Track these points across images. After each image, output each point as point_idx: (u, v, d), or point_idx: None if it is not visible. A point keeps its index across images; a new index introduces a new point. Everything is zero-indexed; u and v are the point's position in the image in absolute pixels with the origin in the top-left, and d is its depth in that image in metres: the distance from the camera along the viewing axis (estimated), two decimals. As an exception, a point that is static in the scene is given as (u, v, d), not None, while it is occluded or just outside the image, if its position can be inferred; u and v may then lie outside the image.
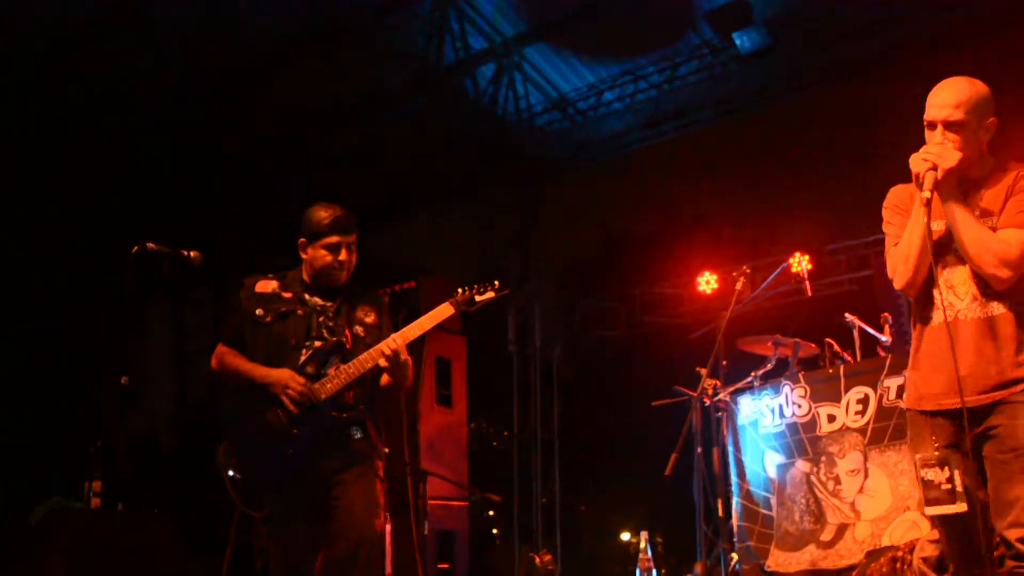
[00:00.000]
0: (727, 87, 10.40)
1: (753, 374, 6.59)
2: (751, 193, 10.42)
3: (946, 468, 3.37)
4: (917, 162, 3.36)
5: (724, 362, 6.86)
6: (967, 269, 3.44)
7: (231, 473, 3.90)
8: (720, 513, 5.15)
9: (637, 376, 10.38)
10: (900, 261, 3.51)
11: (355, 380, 3.97)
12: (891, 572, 4.98)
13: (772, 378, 6.55)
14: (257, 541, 3.93)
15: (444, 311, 4.10)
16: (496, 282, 4.15)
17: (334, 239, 4.07)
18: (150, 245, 3.99)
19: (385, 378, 4.13)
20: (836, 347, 6.50)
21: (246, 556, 3.94)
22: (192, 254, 4.10)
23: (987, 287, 3.40)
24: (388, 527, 6.07)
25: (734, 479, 6.42)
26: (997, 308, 3.40)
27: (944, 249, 3.49)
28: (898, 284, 3.54)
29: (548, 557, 6.38)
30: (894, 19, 8.99)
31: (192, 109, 9.56)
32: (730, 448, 6.45)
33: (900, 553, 5.00)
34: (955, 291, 3.46)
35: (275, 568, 3.87)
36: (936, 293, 3.44)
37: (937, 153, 3.34)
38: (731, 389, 6.57)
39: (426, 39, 10.12)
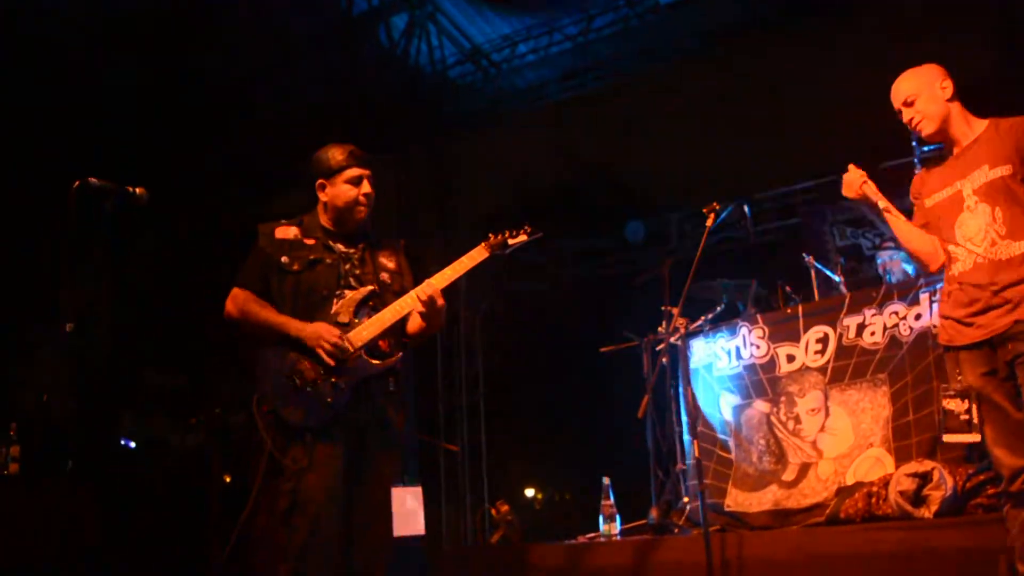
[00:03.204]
0: (644, 39, 10.32)
1: (703, 318, 6.50)
2: (671, 145, 10.36)
3: (966, 400, 3.65)
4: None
5: (665, 307, 6.75)
6: (978, 219, 3.79)
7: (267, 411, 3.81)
8: (697, 454, 5.02)
9: (567, 328, 10.27)
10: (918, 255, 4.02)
11: (389, 328, 3.92)
12: (867, 507, 4.94)
13: (725, 320, 6.47)
14: (285, 483, 3.72)
15: (479, 254, 4.08)
16: (528, 227, 4.14)
17: (355, 172, 4.01)
18: (92, 180, 3.71)
19: (415, 324, 4.08)
20: (789, 288, 6.47)
21: (270, 498, 3.74)
22: (138, 191, 3.86)
23: (999, 234, 3.74)
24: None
25: (684, 421, 6.35)
26: (1016, 248, 3.69)
27: (956, 207, 3.87)
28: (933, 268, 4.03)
29: (505, 508, 6.20)
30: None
31: (110, 60, 9.04)
32: (680, 389, 6.37)
33: (875, 488, 4.96)
34: (972, 241, 3.80)
35: (300, 515, 3.70)
36: (952, 248, 3.86)
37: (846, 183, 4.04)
38: (680, 334, 6.46)
39: (336, -13, 9.82)
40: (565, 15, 10.34)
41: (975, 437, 3.61)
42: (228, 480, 9.55)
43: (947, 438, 3.79)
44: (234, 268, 4.25)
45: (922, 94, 3.92)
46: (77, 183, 3.68)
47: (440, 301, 3.94)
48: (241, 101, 10.04)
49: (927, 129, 3.92)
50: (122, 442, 12.06)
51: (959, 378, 3.71)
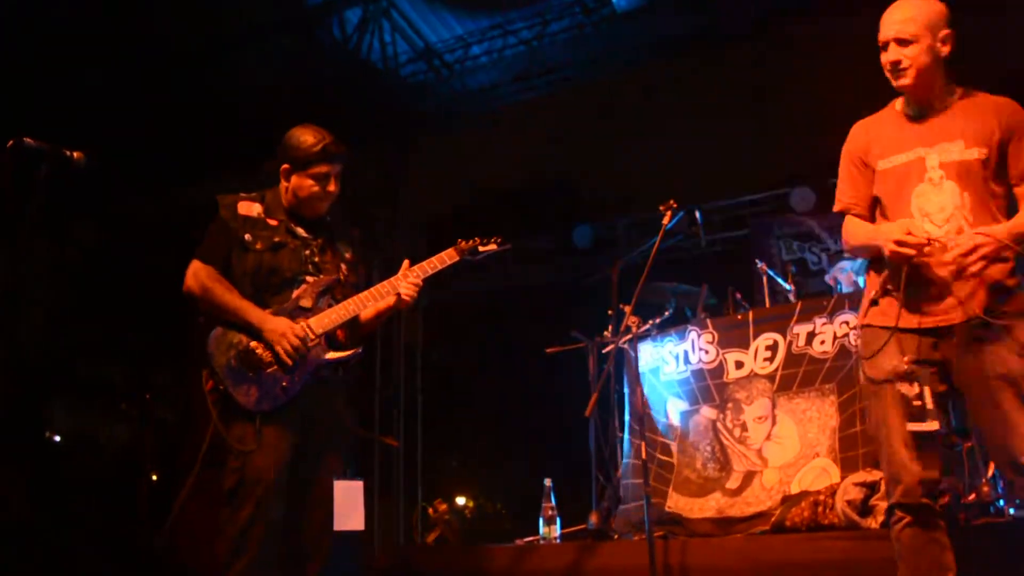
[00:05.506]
0: (598, 46, 10.28)
1: (651, 321, 6.42)
2: (621, 151, 10.35)
3: (915, 384, 3.24)
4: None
5: (611, 311, 6.68)
6: (942, 196, 3.35)
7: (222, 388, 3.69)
8: (644, 456, 4.91)
9: (509, 329, 10.18)
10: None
11: (349, 319, 3.88)
12: (813, 516, 4.87)
13: (673, 325, 6.40)
14: (234, 460, 3.65)
15: (449, 256, 4.11)
16: (499, 237, 4.23)
17: (323, 168, 3.88)
18: (28, 140, 3.47)
19: (372, 313, 4.02)
20: (739, 295, 6.41)
21: (215, 477, 3.70)
22: (76, 155, 3.66)
23: (968, 221, 3.30)
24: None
25: (627, 422, 6.29)
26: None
27: (916, 175, 3.40)
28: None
29: (443, 507, 6.06)
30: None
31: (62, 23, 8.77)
32: (626, 392, 6.31)
33: (821, 497, 4.90)
34: (931, 218, 3.35)
35: (246, 494, 3.61)
36: (904, 220, 3.37)
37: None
38: (629, 336, 6.36)
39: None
40: (520, 18, 10.27)
41: (933, 425, 3.20)
42: (155, 478, 9.30)
43: (910, 427, 3.27)
44: (179, 252, 4.11)
45: (921, 40, 3.34)
46: (11, 142, 3.51)
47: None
48: (190, 80, 9.83)
49: (905, 80, 3.39)
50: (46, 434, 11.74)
51: (905, 359, 3.27)
